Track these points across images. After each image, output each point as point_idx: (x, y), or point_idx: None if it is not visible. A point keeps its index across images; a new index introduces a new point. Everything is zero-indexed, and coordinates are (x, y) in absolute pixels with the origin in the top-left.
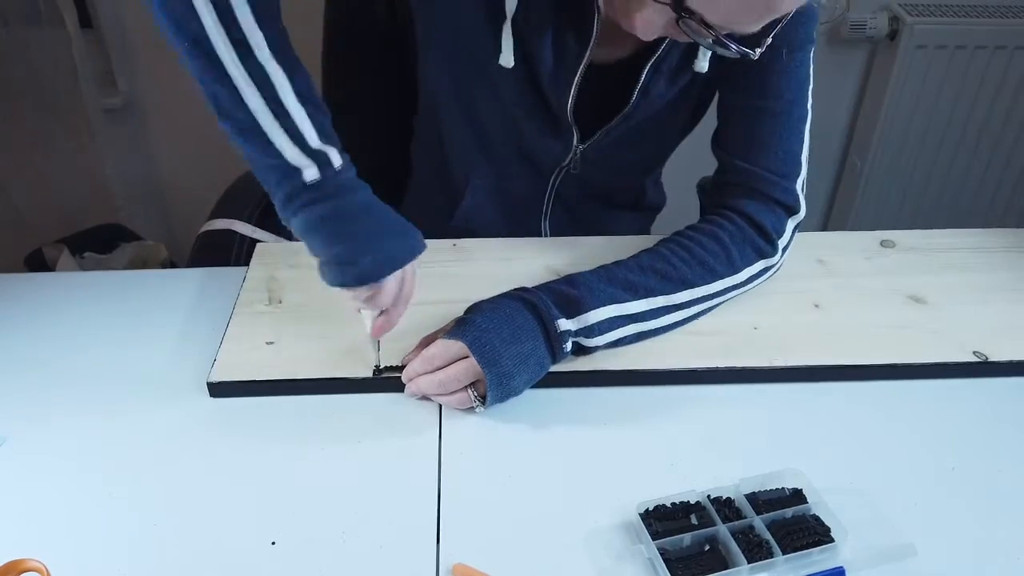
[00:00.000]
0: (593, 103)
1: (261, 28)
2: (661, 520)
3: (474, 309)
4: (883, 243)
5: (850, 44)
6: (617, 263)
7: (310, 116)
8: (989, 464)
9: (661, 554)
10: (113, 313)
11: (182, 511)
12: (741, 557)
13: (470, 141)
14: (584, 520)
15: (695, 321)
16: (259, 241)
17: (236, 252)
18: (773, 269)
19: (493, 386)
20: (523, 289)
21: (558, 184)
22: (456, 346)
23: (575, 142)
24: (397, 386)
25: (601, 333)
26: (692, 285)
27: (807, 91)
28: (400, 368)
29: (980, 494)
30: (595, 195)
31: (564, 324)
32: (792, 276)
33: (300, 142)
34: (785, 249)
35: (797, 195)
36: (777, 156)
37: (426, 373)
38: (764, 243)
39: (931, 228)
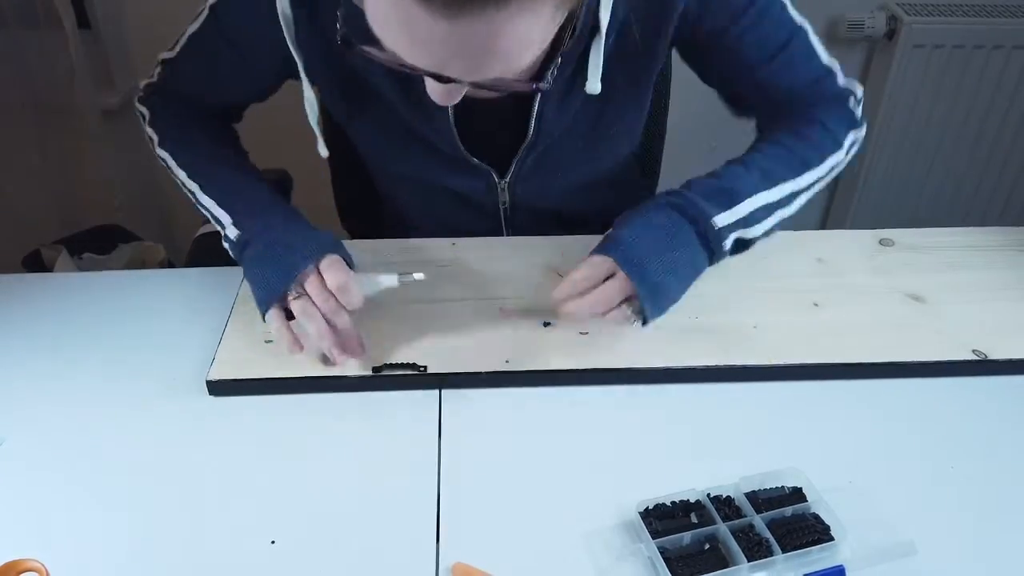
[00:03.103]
0: (498, 138)
1: (188, 171)
2: (661, 519)
3: (621, 223)
4: (882, 242)
5: (848, 43)
6: (745, 156)
7: (220, 206)
8: (989, 462)
9: (661, 553)
10: (112, 313)
11: (181, 510)
12: (741, 556)
13: (404, 190)
14: (584, 520)
15: (694, 320)
16: None
17: None
18: (859, 141)
19: (647, 300)
20: (669, 193)
21: (513, 220)
22: (604, 264)
23: (496, 178)
24: (397, 385)
25: (759, 222)
26: (811, 167)
27: (787, 12)
28: (399, 367)
29: (980, 492)
30: (552, 222)
31: (721, 220)
32: (791, 275)
33: (215, 220)
34: (864, 117)
35: (844, 87)
36: (803, 79)
37: (577, 296)
38: (851, 117)
39: (930, 227)
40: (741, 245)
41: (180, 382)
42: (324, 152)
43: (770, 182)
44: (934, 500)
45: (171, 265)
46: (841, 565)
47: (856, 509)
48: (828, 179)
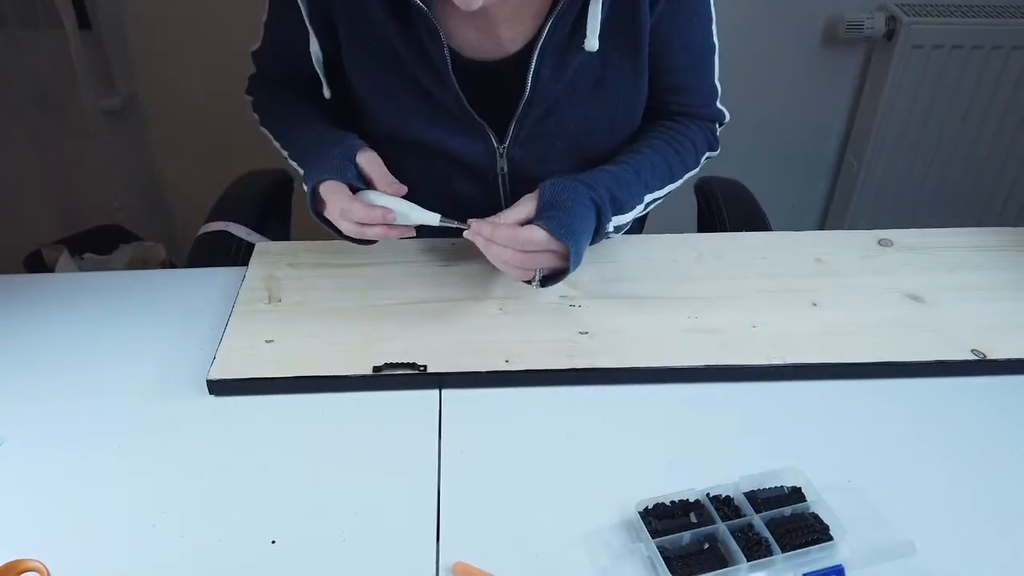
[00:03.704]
0: (500, 102)
1: (274, 136)
2: (660, 518)
3: (558, 205)
4: (881, 242)
5: (847, 44)
6: (639, 163)
7: (295, 161)
8: (987, 462)
9: (660, 552)
10: (113, 313)
11: (182, 510)
12: (740, 555)
13: (405, 158)
14: (584, 519)
15: (694, 320)
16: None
17: (234, 254)
18: (714, 156)
19: (553, 282)
20: (591, 186)
21: (513, 194)
22: (554, 244)
23: (495, 142)
24: (397, 384)
25: (621, 229)
26: (674, 180)
27: (711, 30)
28: (399, 366)
29: (979, 491)
30: None
31: (611, 225)
32: (790, 275)
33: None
34: (719, 140)
35: (720, 110)
36: (698, 94)
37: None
38: (713, 139)
39: (928, 227)
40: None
41: (180, 382)
42: (328, 93)
43: (646, 192)
44: (934, 500)
45: (172, 265)
46: (840, 565)
47: (855, 509)
48: (681, 184)
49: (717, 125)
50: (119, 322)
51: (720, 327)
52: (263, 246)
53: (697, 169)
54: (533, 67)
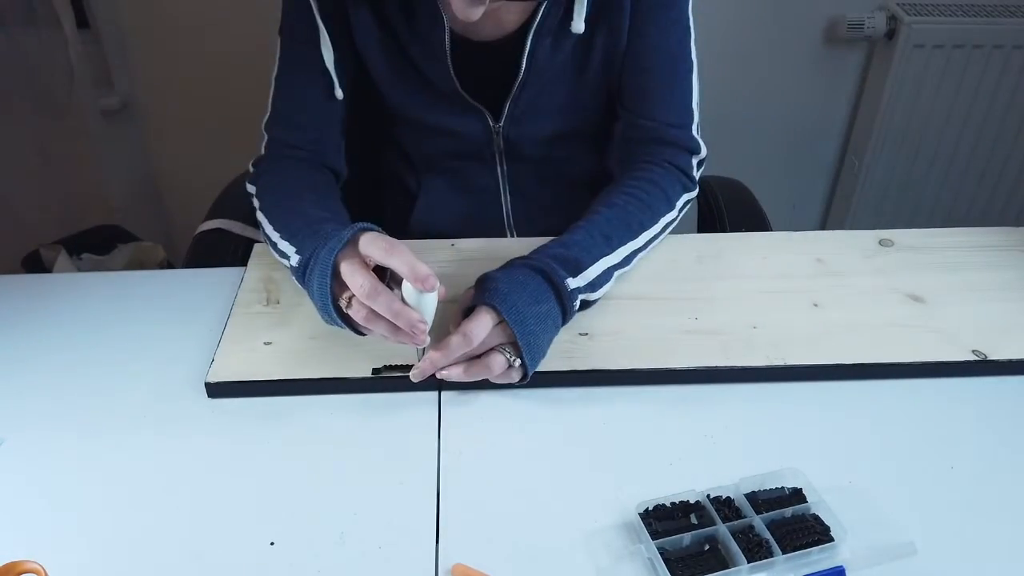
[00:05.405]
0: (494, 81)
1: (266, 218)
2: (661, 520)
3: (486, 279)
4: (882, 242)
5: (848, 43)
6: (589, 221)
7: (286, 240)
8: (988, 463)
9: (661, 554)
10: (110, 314)
11: (180, 512)
12: (741, 557)
13: (413, 138)
14: (584, 520)
15: (694, 320)
16: (256, 242)
17: (232, 253)
18: (692, 201)
19: (526, 350)
20: (524, 257)
21: (508, 173)
22: (489, 315)
23: (491, 121)
24: (396, 386)
25: (600, 287)
26: (646, 228)
27: (689, 43)
28: (399, 368)
29: (980, 493)
30: (548, 177)
31: (572, 283)
32: (791, 275)
33: (281, 254)
34: (698, 182)
35: (696, 140)
36: (671, 109)
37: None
38: (687, 179)
39: (929, 227)
40: (583, 304)
41: (178, 383)
42: (340, 94)
43: (611, 247)
44: (934, 500)
45: (170, 265)
46: (841, 566)
47: (856, 509)
48: (663, 236)
49: (693, 158)
50: (117, 323)
51: (720, 328)
52: (261, 247)
53: (676, 212)
54: (528, 47)
